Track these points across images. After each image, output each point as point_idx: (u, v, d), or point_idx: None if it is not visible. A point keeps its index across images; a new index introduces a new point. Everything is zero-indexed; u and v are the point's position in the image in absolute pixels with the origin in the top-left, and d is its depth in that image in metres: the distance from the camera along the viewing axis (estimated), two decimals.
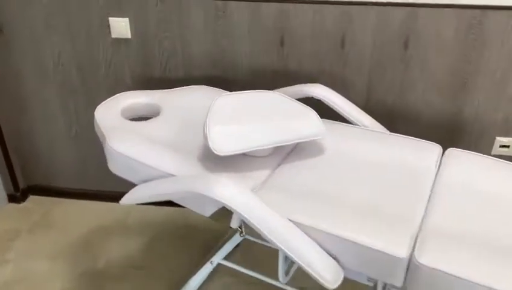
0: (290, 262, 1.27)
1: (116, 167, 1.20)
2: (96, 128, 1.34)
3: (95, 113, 1.34)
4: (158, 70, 1.69)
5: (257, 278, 1.54)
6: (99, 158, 1.92)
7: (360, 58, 1.57)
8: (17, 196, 2.01)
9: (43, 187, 2.04)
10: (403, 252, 0.90)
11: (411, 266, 0.90)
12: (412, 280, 0.90)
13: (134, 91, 1.47)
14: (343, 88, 1.62)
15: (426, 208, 1.04)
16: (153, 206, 1.98)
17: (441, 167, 1.16)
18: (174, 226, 1.89)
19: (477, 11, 1.44)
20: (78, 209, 1.99)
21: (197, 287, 1.53)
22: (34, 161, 1.98)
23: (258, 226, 0.95)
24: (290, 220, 0.97)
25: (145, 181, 1.16)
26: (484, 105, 1.58)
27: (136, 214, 1.96)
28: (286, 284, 1.19)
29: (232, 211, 0.98)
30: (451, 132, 1.65)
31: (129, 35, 1.63)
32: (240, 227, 1.24)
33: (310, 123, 1.21)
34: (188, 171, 1.12)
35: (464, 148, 1.67)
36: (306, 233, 0.96)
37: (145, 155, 1.15)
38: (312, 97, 1.40)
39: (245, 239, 1.55)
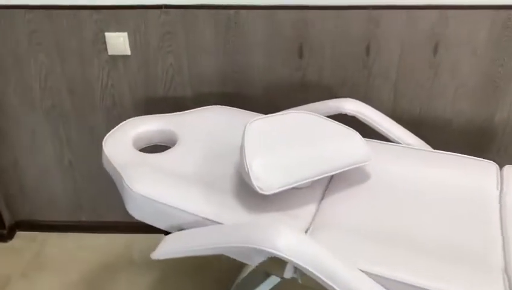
0: None
1: (138, 212, 1.03)
2: (105, 163, 1.16)
3: (103, 145, 1.17)
4: (162, 89, 1.52)
5: None
6: (96, 187, 1.73)
7: (386, 66, 1.45)
8: (3, 233, 1.79)
9: (33, 222, 1.83)
10: None
11: None
12: None
13: (143, 116, 1.30)
14: (366, 99, 1.49)
15: (503, 242, 0.92)
16: (157, 235, 1.80)
17: (503, 190, 1.05)
18: (183, 258, 1.72)
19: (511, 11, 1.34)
20: (74, 244, 1.79)
21: None
22: (21, 194, 1.77)
23: (329, 282, 0.81)
24: (361, 270, 0.84)
25: (176, 228, 1.00)
26: None
27: (139, 246, 1.78)
28: None
29: (298, 267, 0.83)
30: (481, 139, 1.55)
31: (128, 52, 1.45)
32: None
33: (355, 147, 1.07)
34: (229, 214, 0.96)
35: (494, 155, 1.60)
36: (384, 286, 0.82)
37: (175, 197, 0.99)
38: (345, 114, 1.27)
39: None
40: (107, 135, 1.21)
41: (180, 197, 0.99)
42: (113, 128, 1.57)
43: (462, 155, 1.17)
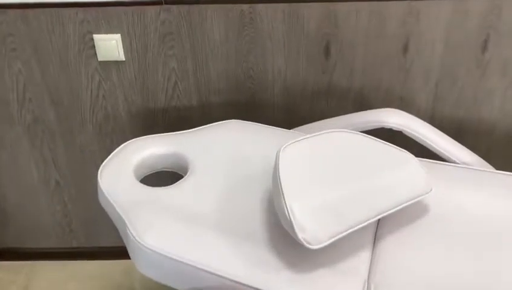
0: None
1: (148, 268, 0.82)
2: (102, 202, 0.95)
3: (99, 178, 0.95)
4: (163, 99, 1.30)
5: None
6: (87, 209, 1.52)
7: (426, 67, 1.24)
8: None
9: (17, 250, 1.61)
10: None
11: None
12: None
13: (145, 137, 1.08)
14: (402, 104, 1.29)
15: None
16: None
17: None
18: None
19: None
20: (65, 274, 1.58)
21: None
22: (3, 219, 1.54)
23: None
24: None
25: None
26: None
27: (139, 274, 1.57)
28: None
29: None
30: None
31: (122, 57, 1.22)
32: None
33: (413, 175, 0.87)
34: (265, 276, 0.76)
35: None
36: None
37: (196, 252, 0.78)
38: (389, 128, 1.06)
39: None
40: (102, 164, 0.99)
41: (200, 251, 0.78)
42: (105, 145, 1.36)
43: None
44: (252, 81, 1.26)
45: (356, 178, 0.83)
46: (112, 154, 1.01)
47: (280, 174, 0.79)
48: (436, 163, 1.01)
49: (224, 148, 1.04)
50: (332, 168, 0.84)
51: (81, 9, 1.16)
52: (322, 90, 1.28)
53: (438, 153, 1.04)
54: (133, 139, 1.07)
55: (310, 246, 0.73)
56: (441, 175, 0.97)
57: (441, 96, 1.29)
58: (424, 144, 1.05)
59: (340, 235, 0.76)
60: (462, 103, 1.30)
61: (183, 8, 1.16)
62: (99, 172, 0.97)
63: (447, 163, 1.02)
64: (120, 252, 1.58)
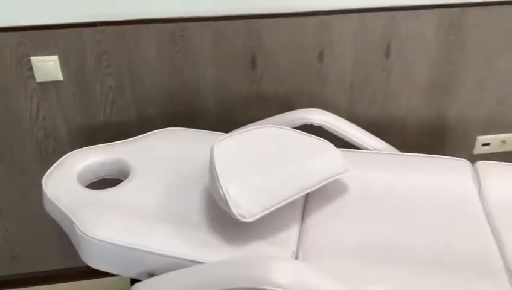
0: None
1: (98, 261, 0.88)
2: (48, 208, 1.00)
3: (43, 186, 1.00)
4: (102, 115, 1.36)
5: None
6: (31, 233, 1.52)
7: (340, 72, 1.41)
8: None
9: None
10: None
11: None
12: None
13: (87, 148, 1.14)
14: (323, 106, 1.44)
15: (495, 241, 0.89)
16: (109, 278, 1.62)
17: (481, 187, 1.03)
18: None
19: (457, 9, 1.35)
20: None
21: None
22: None
23: None
24: None
25: (146, 274, 0.85)
26: (465, 105, 1.52)
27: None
28: None
29: None
30: (434, 136, 1.56)
31: (60, 77, 1.28)
32: None
33: (331, 158, 1.00)
34: (205, 251, 0.84)
35: (447, 151, 1.62)
36: None
37: (140, 236, 0.85)
38: (311, 125, 1.20)
39: None
40: (47, 173, 1.04)
41: (146, 236, 0.85)
42: (47, 165, 1.39)
43: (433, 156, 1.14)
44: (186, 93, 1.37)
45: (283, 163, 0.94)
46: (55, 163, 1.06)
47: (215, 163, 0.89)
48: (352, 151, 1.15)
49: (162, 153, 1.12)
50: (262, 156, 0.95)
51: (17, 33, 1.21)
52: (252, 98, 1.41)
53: (352, 142, 1.19)
54: (76, 150, 1.12)
55: (244, 220, 0.83)
56: (357, 160, 1.11)
57: (356, 97, 1.45)
58: (341, 136, 1.19)
59: (271, 209, 0.86)
60: (374, 103, 1.47)
61: (118, 28, 1.25)
62: (43, 180, 1.02)
63: (361, 150, 1.16)
64: (67, 275, 1.59)
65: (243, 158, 0.93)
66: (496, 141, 1.60)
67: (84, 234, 0.85)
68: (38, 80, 1.27)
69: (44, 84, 1.29)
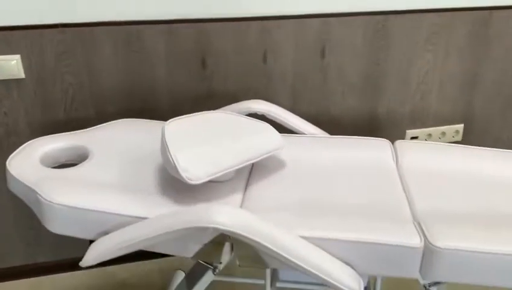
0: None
1: (59, 226, 0.97)
2: (12, 185, 1.08)
3: (8, 166, 1.09)
4: (62, 111, 1.46)
5: None
6: None
7: (282, 72, 1.57)
8: None
9: None
10: (417, 241, 0.89)
11: (427, 253, 0.89)
12: (429, 267, 0.89)
13: (50, 136, 1.23)
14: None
15: (407, 198, 1.05)
16: (66, 274, 1.68)
17: (398, 159, 1.20)
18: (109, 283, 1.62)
19: (381, 16, 1.56)
20: None
21: None
22: None
23: (273, 248, 0.85)
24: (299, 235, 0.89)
25: (104, 233, 0.96)
26: (393, 102, 1.71)
27: (47, 285, 1.63)
28: None
29: (241, 238, 0.85)
30: (368, 130, 1.74)
31: (22, 75, 1.38)
32: (214, 266, 1.11)
33: (269, 136, 1.15)
34: (158, 210, 0.96)
35: None
36: (319, 246, 0.89)
37: (98, 200, 0.96)
38: (255, 114, 1.34)
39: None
40: (10, 156, 1.12)
41: (103, 199, 0.96)
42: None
43: (359, 137, 1.31)
44: (141, 90, 1.49)
45: (228, 138, 1.08)
46: (19, 148, 1.15)
47: (166, 137, 1.01)
48: (290, 135, 1.30)
49: (118, 139, 1.23)
50: (209, 133, 1.08)
51: None
52: (203, 95, 1.54)
53: (291, 128, 1.34)
54: (38, 138, 1.22)
55: (191, 182, 0.95)
56: (293, 141, 1.27)
57: (297, 96, 1.62)
58: (281, 122, 1.34)
59: (216, 175, 0.99)
60: (313, 101, 1.64)
61: (77, 30, 1.37)
62: (7, 161, 1.10)
63: (298, 135, 1.32)
64: (26, 272, 1.64)
65: (191, 134, 1.06)
66: (422, 134, 1.80)
67: (47, 200, 0.95)
68: (0, 77, 1.36)
69: (7, 82, 1.38)
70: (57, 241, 1.64)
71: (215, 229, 0.84)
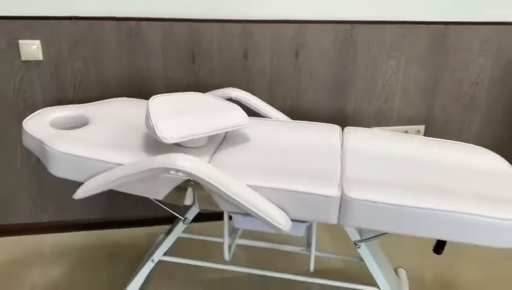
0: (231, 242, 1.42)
1: (60, 169, 1.23)
2: (26, 140, 1.34)
3: (24, 126, 1.35)
4: (72, 93, 1.73)
5: (196, 277, 1.63)
6: (2, 190, 1.83)
7: (261, 69, 1.82)
8: None
9: None
10: (335, 192, 1.12)
11: (343, 202, 1.12)
12: (345, 214, 1.12)
13: (58, 106, 1.50)
14: None
15: (341, 168, 1.28)
16: (66, 233, 1.93)
17: (344, 140, 1.44)
18: (94, 249, 1.86)
19: (348, 25, 1.81)
20: None
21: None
22: None
23: (222, 188, 1.09)
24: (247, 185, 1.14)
25: (94, 177, 1.21)
26: (360, 102, 1.95)
27: (50, 241, 1.88)
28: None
29: (197, 180, 1.10)
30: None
31: (41, 58, 1.66)
32: (184, 217, 1.35)
33: (237, 115, 1.39)
34: (137, 158, 1.21)
35: None
36: (258, 192, 1.13)
37: (92, 151, 1.21)
38: (231, 99, 1.59)
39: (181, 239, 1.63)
40: (26, 118, 1.39)
41: (96, 151, 1.22)
42: None
43: (317, 122, 1.54)
44: (139, 78, 1.76)
45: (202, 112, 1.32)
46: (33, 113, 1.41)
47: (149, 107, 1.26)
48: (260, 118, 1.55)
49: (114, 111, 1.49)
50: (186, 108, 1.32)
51: (9, 21, 1.59)
52: (192, 85, 1.80)
53: (260, 113, 1.59)
54: (48, 107, 1.48)
55: (166, 141, 1.19)
56: (262, 124, 1.51)
57: (274, 91, 1.87)
58: (253, 108, 1.59)
59: (187, 138, 1.23)
60: (288, 96, 1.89)
61: (87, 23, 1.65)
62: (23, 123, 1.36)
63: (266, 118, 1.56)
64: (30, 228, 1.90)
65: (171, 107, 1.31)
66: None
67: (52, 148, 1.21)
68: (23, 58, 1.64)
69: (28, 63, 1.66)
70: (60, 204, 1.90)
71: (176, 170, 1.08)
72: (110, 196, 1.92)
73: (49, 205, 1.89)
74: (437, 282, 1.74)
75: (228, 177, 1.12)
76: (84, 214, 1.93)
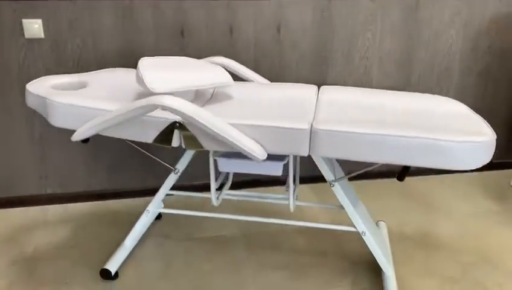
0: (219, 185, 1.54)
1: (60, 119, 1.37)
2: (29, 100, 1.48)
3: (27, 88, 1.50)
4: (71, 67, 1.88)
5: (188, 235, 1.75)
6: (12, 163, 1.96)
7: (246, 44, 1.97)
8: None
9: None
10: (305, 125, 1.26)
11: (313, 134, 1.25)
12: (314, 146, 1.26)
13: (58, 75, 1.64)
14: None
15: (314, 112, 1.42)
16: (71, 204, 2.06)
17: (319, 95, 1.58)
18: (96, 217, 1.99)
19: (325, 1, 1.96)
20: None
21: (133, 246, 1.68)
22: None
23: (206, 124, 1.23)
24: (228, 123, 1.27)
25: None
26: (340, 74, 2.09)
27: (53, 211, 2.00)
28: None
29: (182, 117, 1.24)
30: None
31: (42, 35, 1.81)
32: (175, 167, 1.48)
33: (222, 74, 1.54)
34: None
35: None
36: (238, 128, 1.26)
37: (89, 101, 1.36)
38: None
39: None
40: (30, 82, 1.53)
41: (93, 101, 1.36)
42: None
43: (296, 84, 1.68)
44: (133, 53, 1.91)
45: (189, 70, 1.47)
46: (36, 79, 1.56)
47: (139, 64, 1.40)
48: (244, 82, 1.69)
49: (110, 77, 1.64)
50: (175, 66, 1.47)
51: (14, 2, 1.75)
52: None
53: (244, 78, 1.73)
54: (49, 75, 1.63)
55: (154, 90, 1.34)
56: (246, 86, 1.65)
57: (258, 64, 2.02)
58: (238, 74, 1.73)
59: (174, 90, 1.37)
60: (272, 69, 2.04)
61: (85, 2, 1.80)
62: (27, 85, 1.51)
63: (249, 82, 1.71)
64: (37, 200, 2.03)
65: (160, 65, 1.45)
66: None
67: (53, 100, 1.35)
68: (26, 36, 1.80)
69: (31, 40, 1.81)
70: (64, 177, 2.04)
71: (163, 107, 1.22)
72: (111, 169, 2.06)
73: (53, 178, 2.03)
74: (416, 235, 1.86)
75: (211, 114, 1.26)
76: (86, 187, 2.07)
